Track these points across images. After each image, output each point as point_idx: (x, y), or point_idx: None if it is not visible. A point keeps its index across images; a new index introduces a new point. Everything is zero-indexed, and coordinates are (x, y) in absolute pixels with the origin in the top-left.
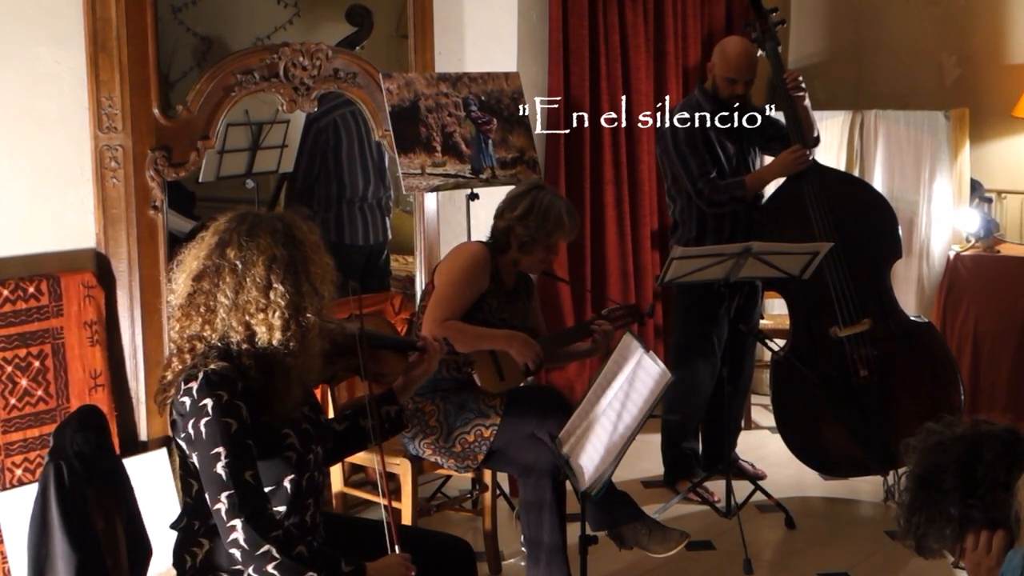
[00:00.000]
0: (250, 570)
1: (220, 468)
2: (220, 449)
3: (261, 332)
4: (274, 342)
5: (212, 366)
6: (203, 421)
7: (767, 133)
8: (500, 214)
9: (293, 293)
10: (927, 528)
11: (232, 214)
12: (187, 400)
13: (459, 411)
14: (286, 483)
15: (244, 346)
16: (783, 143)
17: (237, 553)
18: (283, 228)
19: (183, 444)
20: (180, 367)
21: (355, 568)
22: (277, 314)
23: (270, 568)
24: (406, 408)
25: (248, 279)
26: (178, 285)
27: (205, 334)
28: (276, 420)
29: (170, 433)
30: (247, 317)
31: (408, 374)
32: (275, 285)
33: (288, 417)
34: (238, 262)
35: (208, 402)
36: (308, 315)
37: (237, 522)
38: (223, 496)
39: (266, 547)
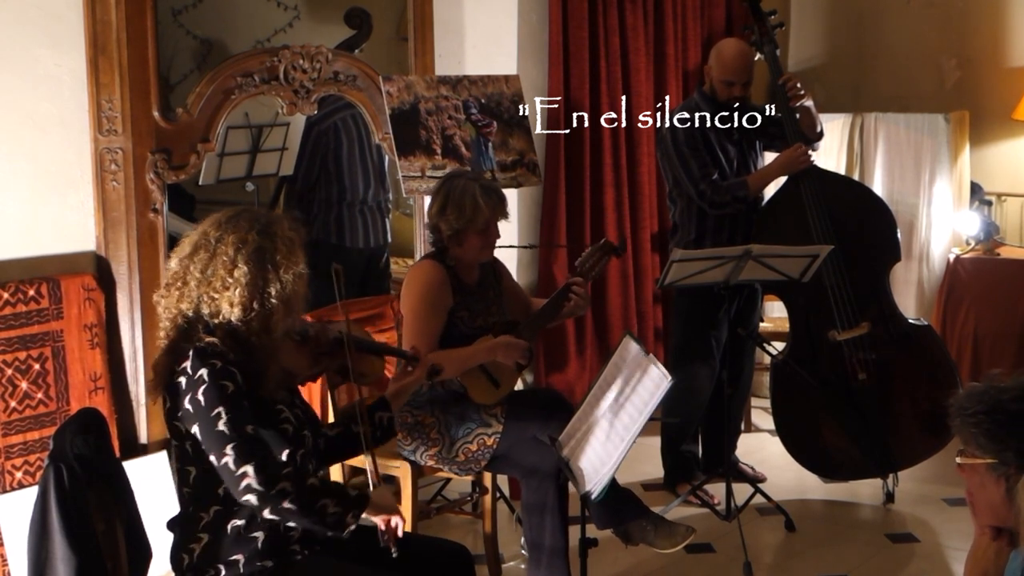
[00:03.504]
0: (266, 512)
1: (222, 425)
2: (220, 409)
3: (224, 308)
4: (233, 318)
5: (202, 340)
6: (200, 389)
7: (769, 132)
8: (426, 217)
9: (255, 274)
10: (985, 437)
11: (230, 208)
12: (183, 379)
13: (460, 421)
14: (283, 457)
15: (214, 320)
16: (786, 140)
17: (253, 498)
18: (264, 220)
19: (182, 424)
20: (168, 344)
21: (359, 493)
22: (238, 291)
23: (286, 504)
24: (404, 420)
25: (218, 257)
26: (170, 264)
27: (182, 307)
28: (266, 396)
29: (167, 434)
30: (213, 292)
31: (400, 382)
32: (239, 265)
33: (277, 396)
34: (212, 240)
35: (203, 372)
36: (272, 299)
37: (248, 468)
38: (228, 448)
39: (281, 484)
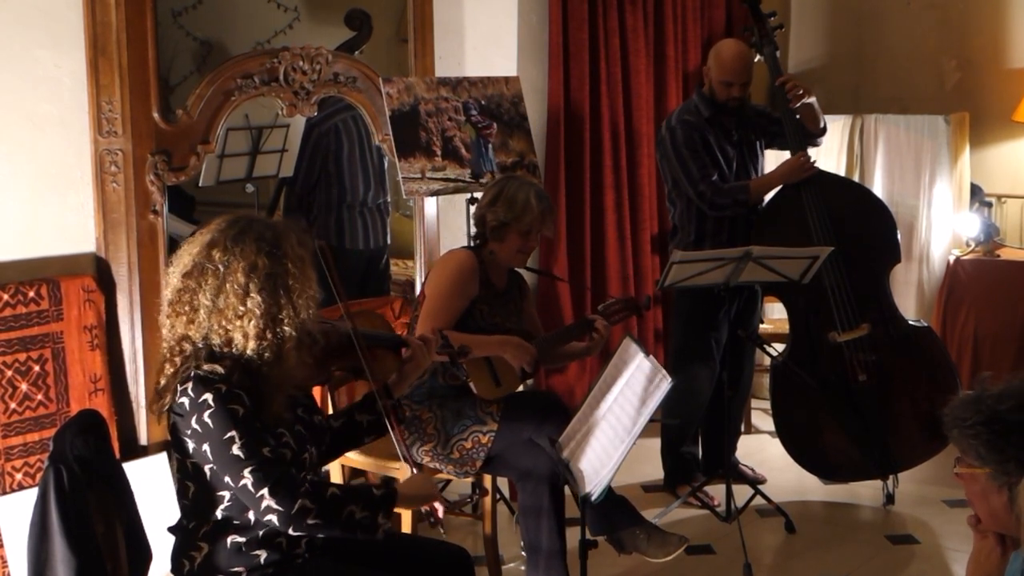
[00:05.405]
0: (290, 530)
1: (236, 449)
2: (233, 433)
3: (237, 338)
4: (248, 351)
5: (203, 367)
6: (207, 413)
7: (770, 131)
8: (475, 206)
9: (270, 303)
10: (985, 448)
11: (230, 215)
12: (185, 400)
13: (456, 418)
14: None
15: (224, 350)
16: (787, 137)
17: (275, 519)
18: (271, 237)
19: (188, 442)
20: (172, 371)
21: (386, 490)
22: (252, 323)
23: (310, 520)
24: (402, 414)
25: (228, 284)
26: (171, 279)
27: (190, 334)
28: (268, 421)
29: (168, 438)
30: (225, 322)
31: (401, 369)
32: (252, 294)
33: (279, 418)
34: (220, 266)
35: (208, 396)
36: (284, 327)
37: (264, 491)
38: (246, 472)
39: (300, 502)
